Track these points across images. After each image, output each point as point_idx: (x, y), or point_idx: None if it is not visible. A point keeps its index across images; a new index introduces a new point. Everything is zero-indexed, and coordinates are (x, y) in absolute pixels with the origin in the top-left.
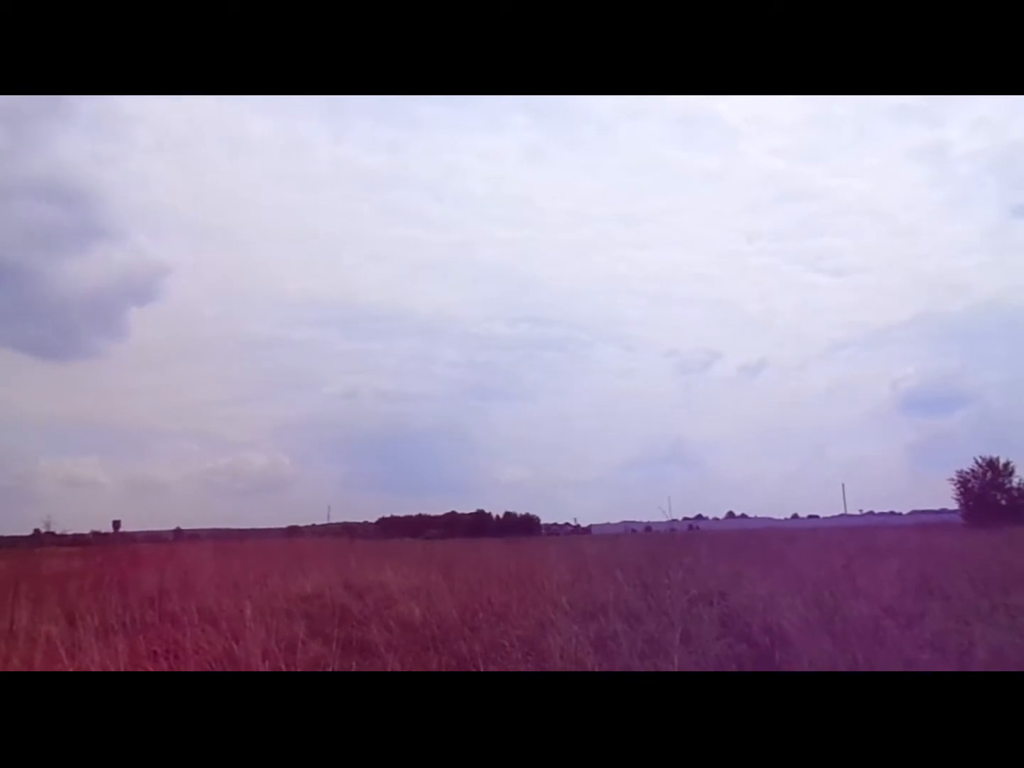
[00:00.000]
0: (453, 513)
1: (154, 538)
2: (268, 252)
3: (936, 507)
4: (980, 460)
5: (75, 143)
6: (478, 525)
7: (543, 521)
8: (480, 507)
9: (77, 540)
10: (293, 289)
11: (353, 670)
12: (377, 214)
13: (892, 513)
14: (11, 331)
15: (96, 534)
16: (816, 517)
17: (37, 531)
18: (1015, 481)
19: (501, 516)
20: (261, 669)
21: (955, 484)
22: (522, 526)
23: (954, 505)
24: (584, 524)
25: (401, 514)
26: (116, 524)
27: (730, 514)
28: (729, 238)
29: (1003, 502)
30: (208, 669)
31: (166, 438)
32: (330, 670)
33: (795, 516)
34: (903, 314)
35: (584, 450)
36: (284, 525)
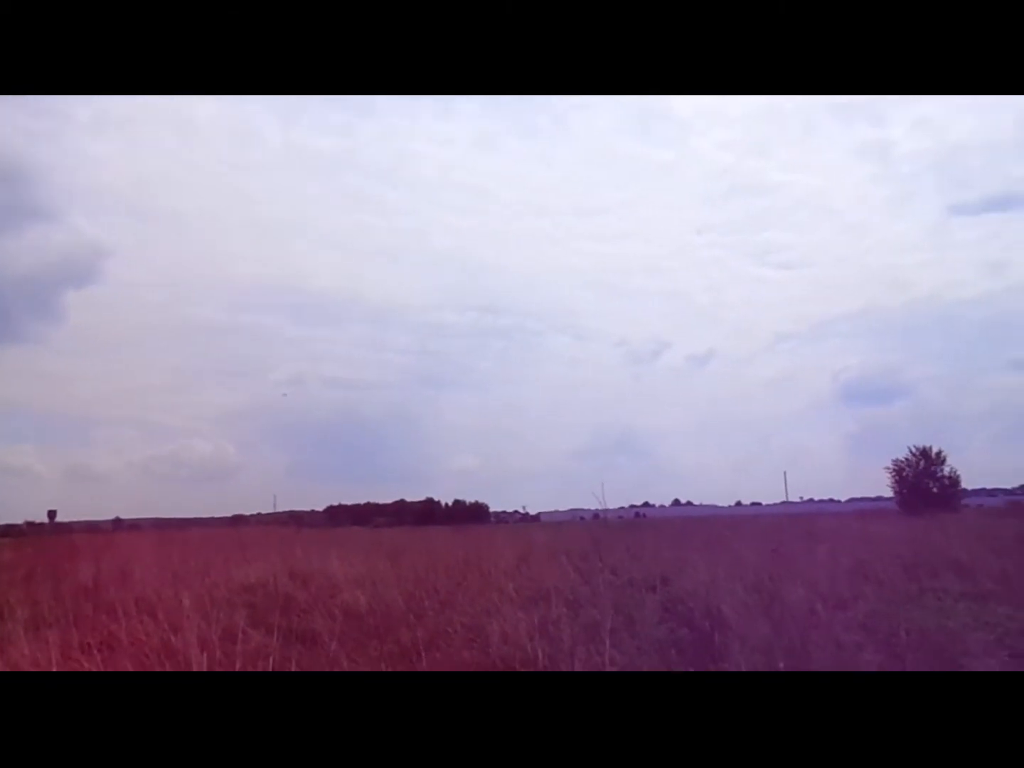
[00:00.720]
0: (402, 501)
1: (92, 528)
2: (214, 235)
3: (873, 495)
4: (914, 449)
5: (5, 117)
6: (427, 513)
7: (492, 509)
8: (429, 495)
9: (9, 531)
10: (239, 274)
11: (295, 659)
12: (327, 199)
13: (831, 500)
14: None
15: (30, 524)
16: (759, 504)
17: None
18: (946, 470)
19: (450, 504)
20: (199, 659)
21: (890, 473)
22: (471, 514)
23: (890, 493)
24: (533, 512)
25: (349, 502)
26: (52, 514)
27: (676, 501)
28: (680, 231)
29: (935, 490)
30: (144, 661)
31: (105, 425)
32: (271, 660)
33: (739, 503)
34: (846, 308)
35: (534, 439)
36: (229, 514)
